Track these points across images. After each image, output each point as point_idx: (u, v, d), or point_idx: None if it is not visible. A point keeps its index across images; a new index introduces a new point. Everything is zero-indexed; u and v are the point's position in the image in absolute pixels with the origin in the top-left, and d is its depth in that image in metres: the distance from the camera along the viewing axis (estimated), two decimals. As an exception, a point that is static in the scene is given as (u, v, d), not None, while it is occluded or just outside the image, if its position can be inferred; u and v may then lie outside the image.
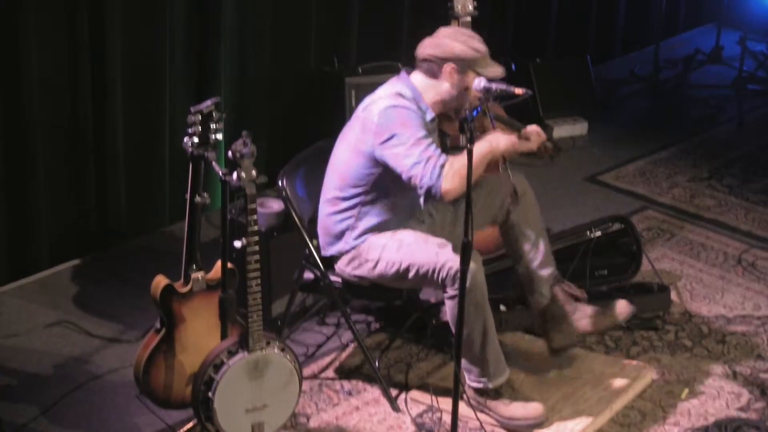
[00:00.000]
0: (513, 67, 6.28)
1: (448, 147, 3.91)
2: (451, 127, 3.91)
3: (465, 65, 3.74)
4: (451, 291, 3.69)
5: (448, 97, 3.78)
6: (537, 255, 4.02)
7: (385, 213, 3.85)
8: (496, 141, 3.71)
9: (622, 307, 4.05)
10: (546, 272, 4.04)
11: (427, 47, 3.80)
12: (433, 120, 3.82)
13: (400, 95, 3.76)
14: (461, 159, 3.58)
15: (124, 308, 4.47)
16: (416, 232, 3.85)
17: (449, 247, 3.72)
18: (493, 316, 3.81)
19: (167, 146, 4.98)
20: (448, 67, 3.75)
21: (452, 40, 3.78)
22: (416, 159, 3.63)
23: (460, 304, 3.46)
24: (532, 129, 3.92)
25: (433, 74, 3.78)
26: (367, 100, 3.83)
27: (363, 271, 3.86)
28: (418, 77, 3.82)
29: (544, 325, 4.06)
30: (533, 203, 4.05)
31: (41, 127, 4.57)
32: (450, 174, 3.60)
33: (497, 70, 3.75)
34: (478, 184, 3.90)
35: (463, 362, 3.75)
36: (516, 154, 3.80)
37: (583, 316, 4.02)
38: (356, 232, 3.86)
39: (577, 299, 4.08)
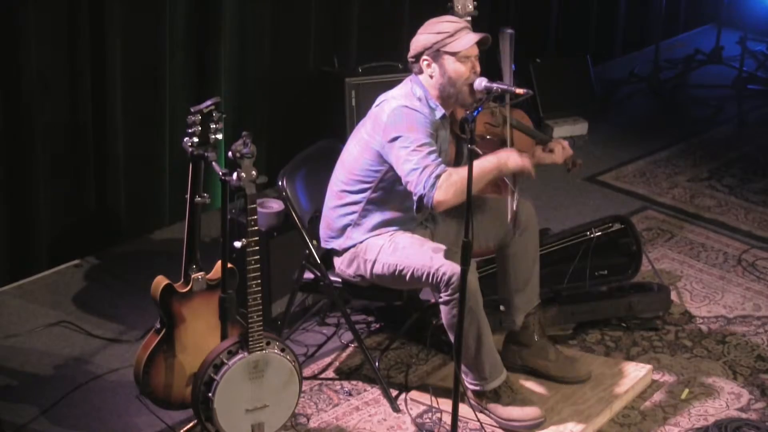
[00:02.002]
0: (513, 67, 6.26)
1: (464, 156, 3.90)
2: (482, 144, 3.90)
3: (434, 52, 3.75)
4: (445, 296, 3.69)
5: (440, 89, 3.78)
6: (524, 289, 4.00)
7: (390, 213, 3.85)
8: (505, 159, 3.69)
9: (584, 370, 4.05)
10: (527, 305, 4.03)
11: (409, 51, 3.82)
12: (443, 117, 3.81)
13: (414, 96, 3.76)
14: (461, 172, 3.58)
15: (124, 308, 4.47)
16: (413, 235, 3.85)
17: (444, 251, 3.72)
18: (492, 315, 3.81)
19: (167, 146, 4.98)
20: (423, 61, 3.78)
21: (419, 34, 3.81)
22: (414, 165, 3.63)
23: (460, 303, 3.46)
24: (558, 143, 3.92)
25: (420, 72, 3.80)
26: (382, 97, 3.84)
27: (361, 271, 3.87)
28: (419, 77, 3.83)
29: (505, 341, 4.08)
30: (534, 234, 4.02)
31: (41, 126, 4.57)
32: (445, 185, 3.60)
33: (469, 39, 3.73)
34: (482, 204, 3.90)
35: (461, 366, 3.76)
36: (530, 174, 3.75)
37: (543, 355, 4.03)
38: (359, 229, 3.86)
39: (550, 337, 4.11)
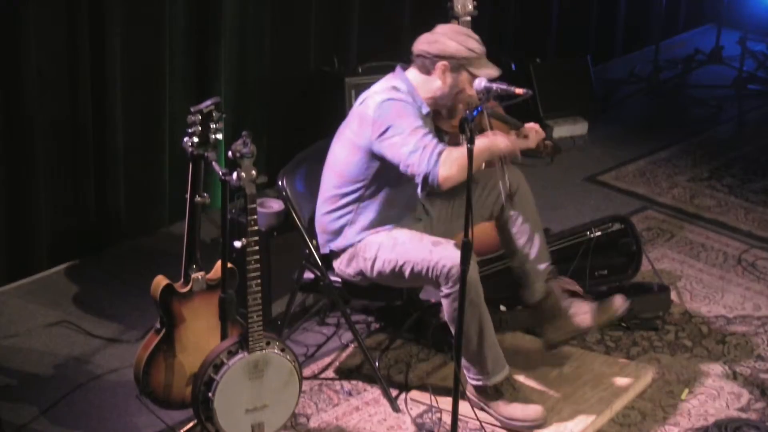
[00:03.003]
0: (513, 67, 6.27)
1: (446, 144, 3.91)
2: (448, 125, 3.90)
3: (458, 64, 3.75)
4: (446, 289, 3.70)
5: (440, 95, 3.79)
6: (532, 250, 4.01)
7: (384, 208, 3.85)
8: (495, 140, 3.73)
9: (619, 302, 4.04)
10: (541, 267, 4.03)
11: (422, 43, 3.81)
12: (428, 114, 3.82)
13: (396, 89, 3.76)
14: (460, 148, 3.58)
15: (124, 308, 4.47)
16: (412, 231, 3.86)
17: (443, 245, 3.72)
18: (493, 316, 3.81)
19: (167, 146, 4.98)
20: (440, 65, 3.76)
21: (448, 38, 3.78)
22: (413, 147, 3.63)
23: (460, 303, 3.46)
24: (531, 126, 3.93)
25: (427, 70, 3.80)
26: (363, 95, 3.84)
27: (361, 270, 3.87)
28: (412, 73, 3.83)
29: (538, 319, 4.07)
30: (529, 198, 4.04)
31: (41, 126, 4.57)
32: (448, 161, 3.60)
33: (492, 72, 3.75)
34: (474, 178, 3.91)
35: (463, 360, 3.76)
36: (516, 154, 3.80)
37: (579, 311, 4.01)
38: (355, 227, 3.86)
39: (573, 294, 4.08)
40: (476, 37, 3.84)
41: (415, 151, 3.62)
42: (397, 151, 3.66)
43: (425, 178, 3.62)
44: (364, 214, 3.86)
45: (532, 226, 4.02)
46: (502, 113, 4.16)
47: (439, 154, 3.61)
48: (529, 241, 4.01)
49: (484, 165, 3.91)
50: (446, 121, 3.89)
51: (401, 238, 3.82)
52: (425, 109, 3.80)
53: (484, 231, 4.12)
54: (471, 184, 3.38)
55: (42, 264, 4.73)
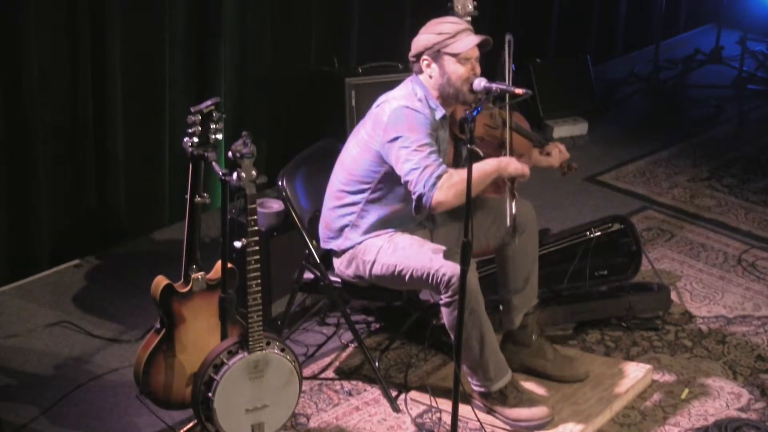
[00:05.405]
0: (513, 67, 6.26)
1: (462, 157, 3.90)
2: (480, 146, 3.90)
3: (434, 52, 3.75)
4: (445, 297, 3.69)
5: (439, 88, 3.78)
6: (522, 287, 4.00)
7: (388, 213, 3.85)
8: (506, 163, 3.70)
9: (582, 370, 4.06)
10: (524, 303, 4.02)
11: (410, 51, 3.83)
12: (443, 118, 3.81)
13: (415, 96, 3.76)
14: (461, 173, 3.58)
15: (124, 308, 4.47)
16: (413, 236, 3.85)
17: (444, 252, 3.72)
18: (492, 316, 3.81)
19: (167, 146, 4.99)
20: (423, 61, 3.78)
21: (420, 34, 3.81)
22: (414, 165, 3.63)
23: (459, 304, 3.46)
24: (555, 146, 3.92)
25: (420, 72, 3.80)
26: (382, 98, 3.84)
27: (360, 272, 3.87)
28: (421, 76, 3.83)
29: (504, 341, 4.06)
30: (533, 235, 4.02)
31: (41, 127, 4.57)
32: (445, 186, 3.60)
33: (467, 42, 3.74)
34: (482, 204, 3.90)
35: (465, 368, 3.76)
36: (526, 177, 3.74)
37: (541, 354, 4.04)
38: (357, 230, 3.86)
39: (546, 336, 4.12)
40: (451, 19, 3.85)
41: (416, 168, 3.63)
42: (400, 165, 3.67)
43: (419, 198, 3.63)
44: (366, 217, 3.85)
45: (530, 266, 4.01)
46: (527, 128, 4.16)
47: (438, 177, 3.60)
48: (523, 281, 4.00)
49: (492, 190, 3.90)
50: (456, 122, 3.88)
51: (401, 243, 3.81)
52: (440, 113, 3.78)
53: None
54: (471, 187, 3.38)
55: (42, 264, 4.73)
